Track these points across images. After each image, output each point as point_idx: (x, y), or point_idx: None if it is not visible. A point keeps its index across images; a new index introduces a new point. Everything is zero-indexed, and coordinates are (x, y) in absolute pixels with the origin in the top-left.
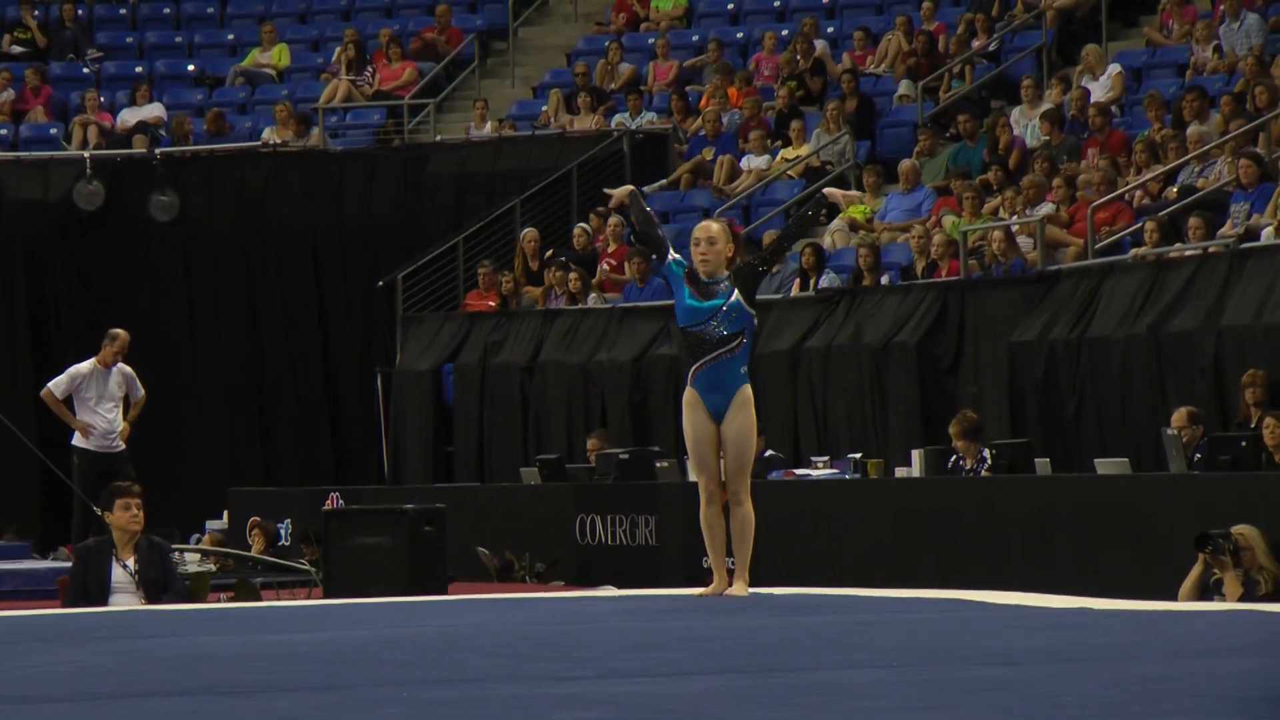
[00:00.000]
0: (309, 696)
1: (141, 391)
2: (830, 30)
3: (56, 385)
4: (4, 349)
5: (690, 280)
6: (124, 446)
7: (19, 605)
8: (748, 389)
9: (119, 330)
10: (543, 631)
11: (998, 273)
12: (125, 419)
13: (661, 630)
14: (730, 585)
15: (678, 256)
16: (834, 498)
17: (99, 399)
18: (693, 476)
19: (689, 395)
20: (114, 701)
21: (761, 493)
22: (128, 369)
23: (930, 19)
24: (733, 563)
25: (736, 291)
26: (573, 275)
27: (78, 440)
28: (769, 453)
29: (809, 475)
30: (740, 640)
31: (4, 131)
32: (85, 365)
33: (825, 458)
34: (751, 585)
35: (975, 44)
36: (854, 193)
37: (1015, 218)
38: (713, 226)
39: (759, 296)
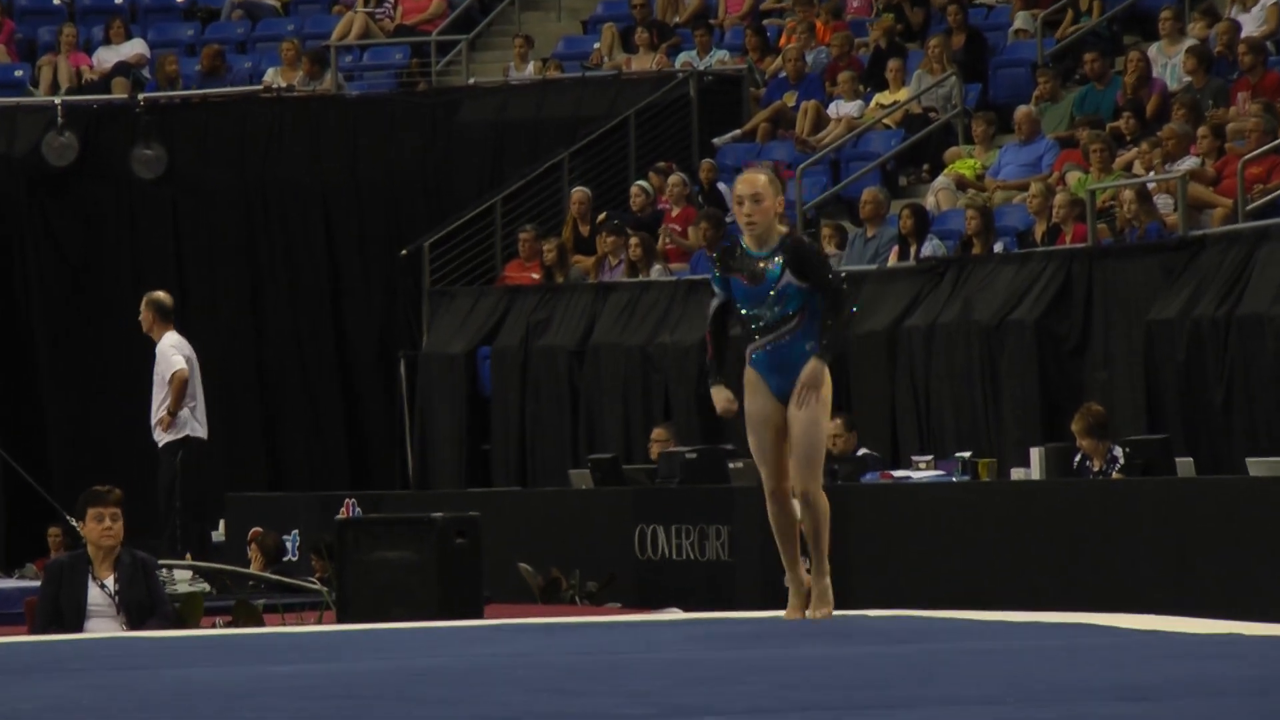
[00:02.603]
0: None
1: (174, 366)
2: None
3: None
4: None
5: (736, 264)
6: (164, 439)
7: None
8: (821, 372)
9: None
10: (594, 662)
11: (1131, 238)
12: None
13: (734, 661)
14: (809, 604)
15: (714, 271)
16: (939, 504)
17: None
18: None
19: (749, 375)
20: None
21: (853, 498)
22: (167, 340)
23: None
24: (809, 566)
25: (788, 272)
26: (633, 241)
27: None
28: (862, 451)
29: (909, 477)
30: (826, 672)
31: None
32: None
33: (928, 457)
34: (841, 607)
35: None
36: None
37: (1152, 174)
38: (759, 179)
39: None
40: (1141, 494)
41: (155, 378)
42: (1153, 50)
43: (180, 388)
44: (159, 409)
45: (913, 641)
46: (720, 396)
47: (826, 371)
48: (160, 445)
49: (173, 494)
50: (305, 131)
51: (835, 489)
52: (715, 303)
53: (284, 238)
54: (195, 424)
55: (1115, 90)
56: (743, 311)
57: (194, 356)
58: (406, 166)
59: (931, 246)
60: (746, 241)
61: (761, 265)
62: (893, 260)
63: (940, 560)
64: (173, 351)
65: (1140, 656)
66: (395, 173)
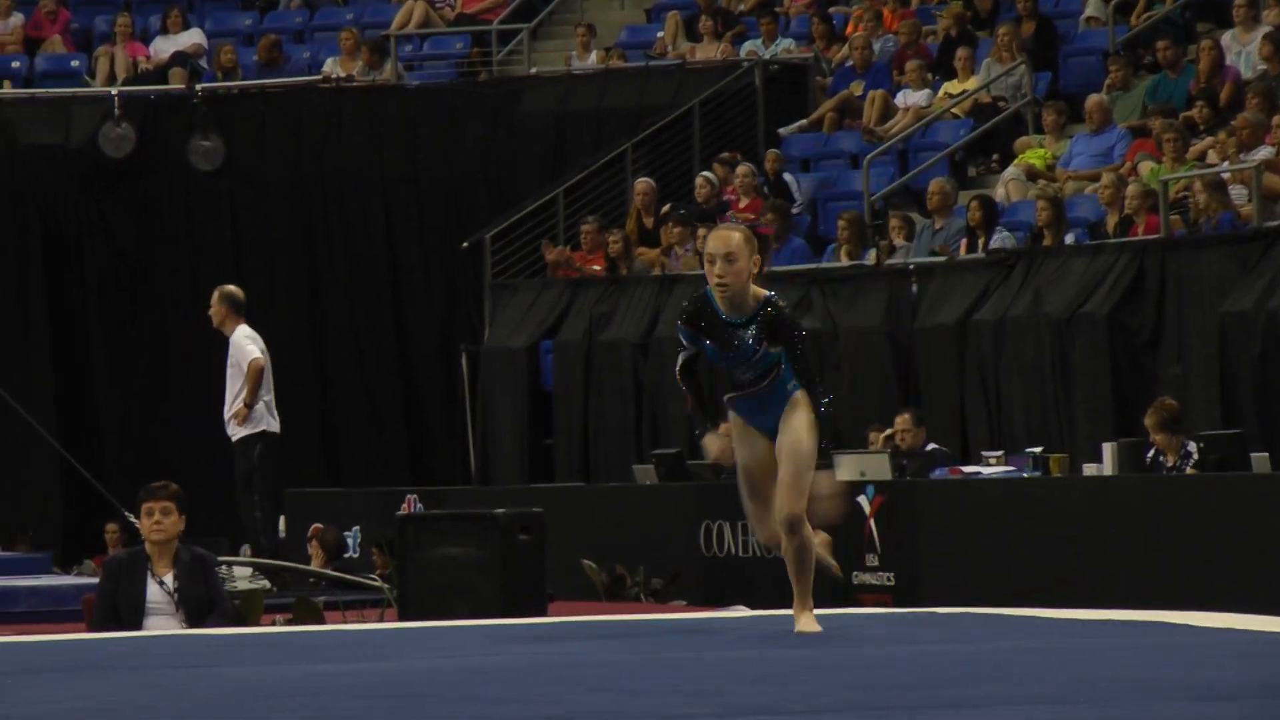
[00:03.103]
0: None
1: (250, 356)
2: None
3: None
4: (18, 320)
5: (706, 328)
6: (239, 433)
7: (37, 628)
8: (804, 400)
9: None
10: (657, 661)
11: (1205, 230)
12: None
13: (797, 658)
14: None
15: (681, 326)
16: (1010, 499)
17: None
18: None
19: (734, 422)
20: None
21: (923, 494)
22: (241, 332)
23: None
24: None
25: (765, 343)
26: (701, 233)
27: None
28: (931, 446)
29: (979, 473)
30: (891, 670)
31: (16, 64)
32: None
33: (999, 453)
34: (909, 603)
35: None
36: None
37: (1226, 164)
38: (733, 237)
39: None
40: (1216, 489)
41: (230, 370)
42: (1226, 38)
43: (257, 377)
44: (234, 402)
45: (981, 639)
46: (714, 445)
47: (809, 405)
48: (235, 439)
49: (251, 488)
50: (364, 122)
51: (904, 485)
52: (683, 356)
53: (343, 230)
54: (270, 418)
55: (1188, 79)
56: (722, 366)
57: (266, 350)
58: (467, 157)
59: (1001, 238)
60: (719, 303)
61: (736, 335)
62: (963, 252)
63: (1010, 556)
64: (248, 342)
65: (1214, 655)
66: (456, 164)
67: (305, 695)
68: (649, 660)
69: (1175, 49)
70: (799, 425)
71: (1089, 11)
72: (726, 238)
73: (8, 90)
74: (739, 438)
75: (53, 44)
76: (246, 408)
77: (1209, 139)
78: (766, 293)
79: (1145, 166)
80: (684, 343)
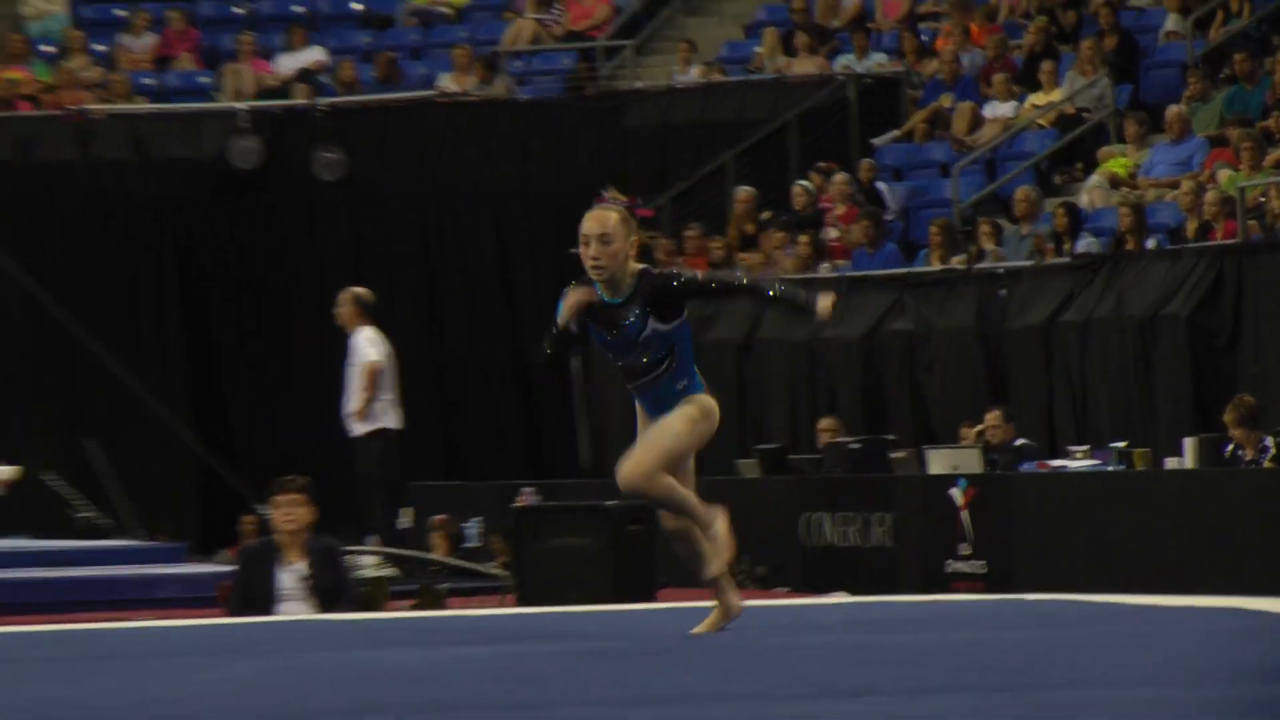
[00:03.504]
0: (498, 716)
1: (366, 358)
2: None
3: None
4: (154, 325)
5: (590, 312)
6: (360, 429)
7: (176, 614)
8: (697, 397)
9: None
10: (760, 644)
11: None
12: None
13: (893, 643)
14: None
15: (560, 304)
16: (1094, 492)
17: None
18: None
19: (639, 413)
20: None
21: (1014, 486)
22: (363, 334)
23: None
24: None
25: (650, 318)
26: (802, 239)
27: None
28: (1020, 441)
29: (1066, 467)
30: (983, 654)
31: (148, 81)
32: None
33: (1084, 447)
34: (1001, 590)
35: None
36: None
37: None
38: (609, 217)
39: None
40: None
41: (351, 370)
42: None
43: (370, 378)
44: (354, 400)
45: (1069, 625)
46: (571, 297)
47: (706, 402)
48: (357, 436)
49: (372, 482)
50: (477, 136)
51: (995, 477)
52: (549, 340)
53: (457, 238)
54: (390, 416)
55: (1264, 90)
56: (611, 358)
57: (390, 352)
58: (575, 169)
59: (1085, 243)
60: (599, 286)
61: (618, 316)
62: (1049, 258)
63: (1097, 546)
64: (367, 344)
65: None
66: (564, 175)
67: (430, 678)
68: (751, 643)
69: (1252, 61)
70: (674, 415)
71: (1168, 26)
72: (602, 218)
73: (141, 105)
74: (642, 423)
75: (182, 61)
76: (363, 407)
77: None
78: (641, 266)
79: (1223, 174)
80: (555, 322)
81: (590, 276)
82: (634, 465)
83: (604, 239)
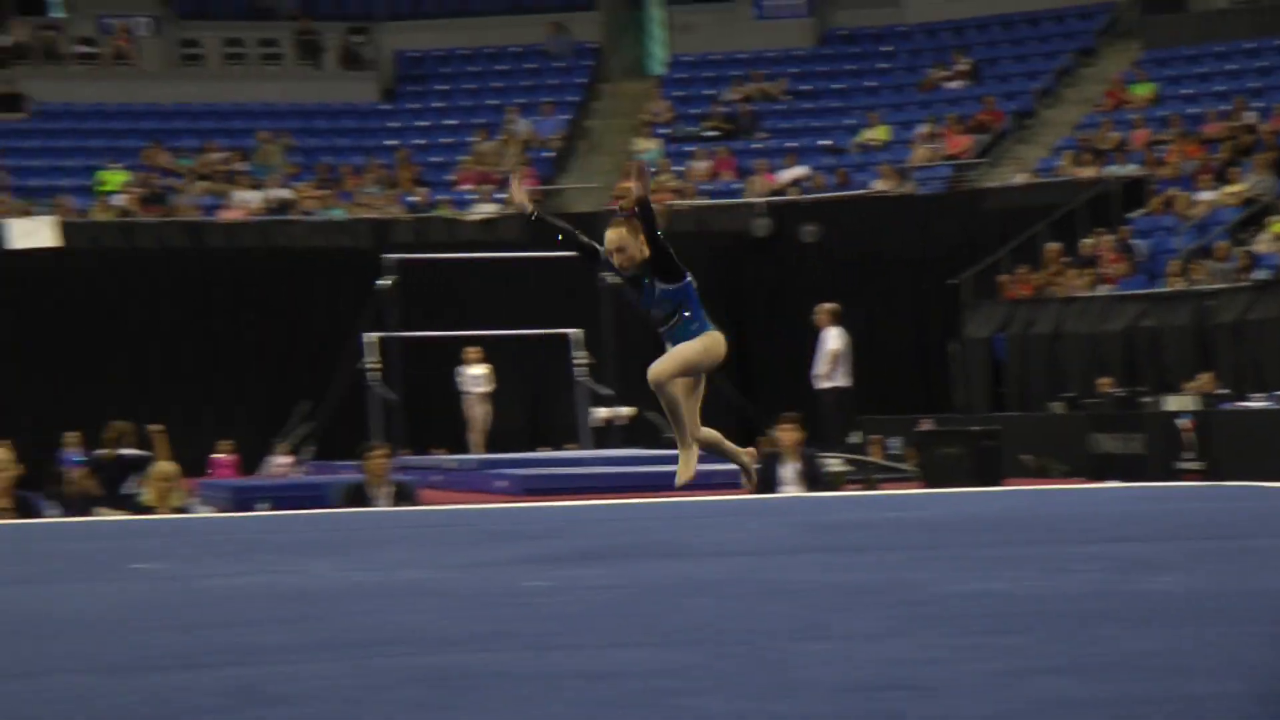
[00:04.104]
0: (914, 552)
1: (829, 344)
2: None
3: None
4: (737, 324)
5: (629, 282)
6: (823, 385)
7: (722, 492)
8: (708, 332)
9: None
10: (1056, 514)
11: None
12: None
13: (1143, 513)
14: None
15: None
16: (1267, 419)
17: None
18: None
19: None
20: (779, 555)
21: (1215, 417)
22: (831, 330)
23: None
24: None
25: (657, 283)
26: (1087, 271)
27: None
28: (1219, 390)
29: (1248, 405)
30: (1200, 517)
31: (705, 186)
32: None
33: (1262, 394)
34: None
35: None
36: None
37: None
38: (621, 232)
39: None
40: None
41: (821, 351)
42: None
43: (832, 357)
44: (821, 367)
45: (1255, 500)
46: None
47: (714, 335)
48: (821, 389)
49: (834, 418)
50: (891, 218)
51: (1205, 413)
52: (574, 239)
53: (880, 284)
54: (842, 378)
55: None
56: (646, 312)
57: (848, 342)
58: (950, 236)
59: (1257, 274)
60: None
61: (641, 285)
62: None
63: (1273, 454)
64: (833, 338)
65: None
66: (944, 240)
67: (867, 527)
68: (1057, 512)
69: None
70: (690, 342)
71: None
72: (617, 235)
73: (703, 200)
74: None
75: (725, 175)
76: (829, 369)
77: None
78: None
79: None
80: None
81: (621, 273)
82: (656, 368)
83: (621, 250)
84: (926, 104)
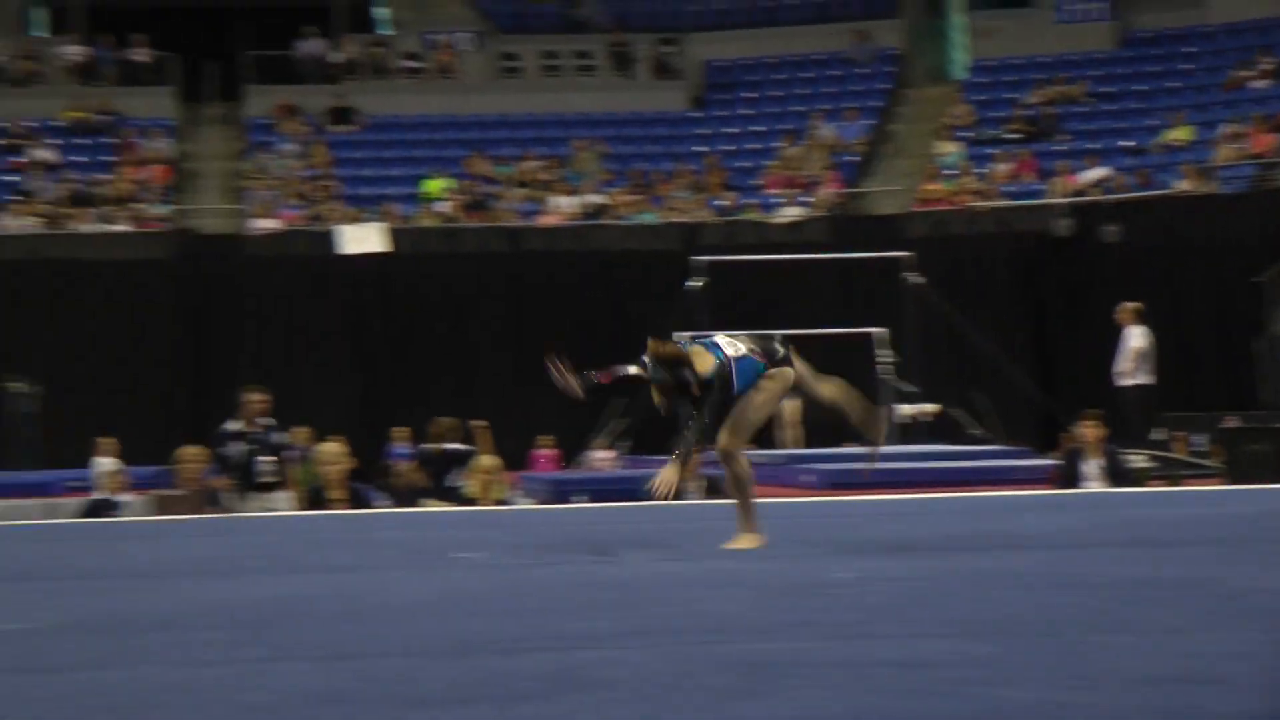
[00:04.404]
0: (1220, 548)
1: (1132, 341)
2: None
3: None
4: (1004, 332)
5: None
6: (1124, 382)
7: (1025, 487)
8: (753, 388)
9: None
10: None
11: None
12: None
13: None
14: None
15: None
16: None
17: None
18: None
19: None
20: (1080, 549)
21: None
22: (1135, 328)
23: None
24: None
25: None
26: None
27: None
28: None
29: None
30: None
31: (1007, 188)
32: None
33: None
34: None
35: None
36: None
37: None
38: (657, 395)
39: None
40: None
41: (1123, 348)
42: None
43: (1135, 354)
44: (1121, 363)
45: None
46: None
47: (762, 384)
48: (1123, 386)
49: (1136, 412)
50: (1193, 214)
51: None
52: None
53: (1186, 277)
54: (1145, 375)
55: None
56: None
57: (1151, 340)
58: (1241, 229)
59: None
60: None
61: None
62: None
63: None
64: (1137, 336)
65: None
66: (1240, 232)
67: (1179, 522)
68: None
69: None
70: (759, 392)
71: None
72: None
73: (1003, 202)
74: None
75: (1026, 177)
76: (1132, 365)
77: None
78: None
79: None
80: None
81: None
82: (724, 441)
83: (661, 389)
84: (1230, 104)
